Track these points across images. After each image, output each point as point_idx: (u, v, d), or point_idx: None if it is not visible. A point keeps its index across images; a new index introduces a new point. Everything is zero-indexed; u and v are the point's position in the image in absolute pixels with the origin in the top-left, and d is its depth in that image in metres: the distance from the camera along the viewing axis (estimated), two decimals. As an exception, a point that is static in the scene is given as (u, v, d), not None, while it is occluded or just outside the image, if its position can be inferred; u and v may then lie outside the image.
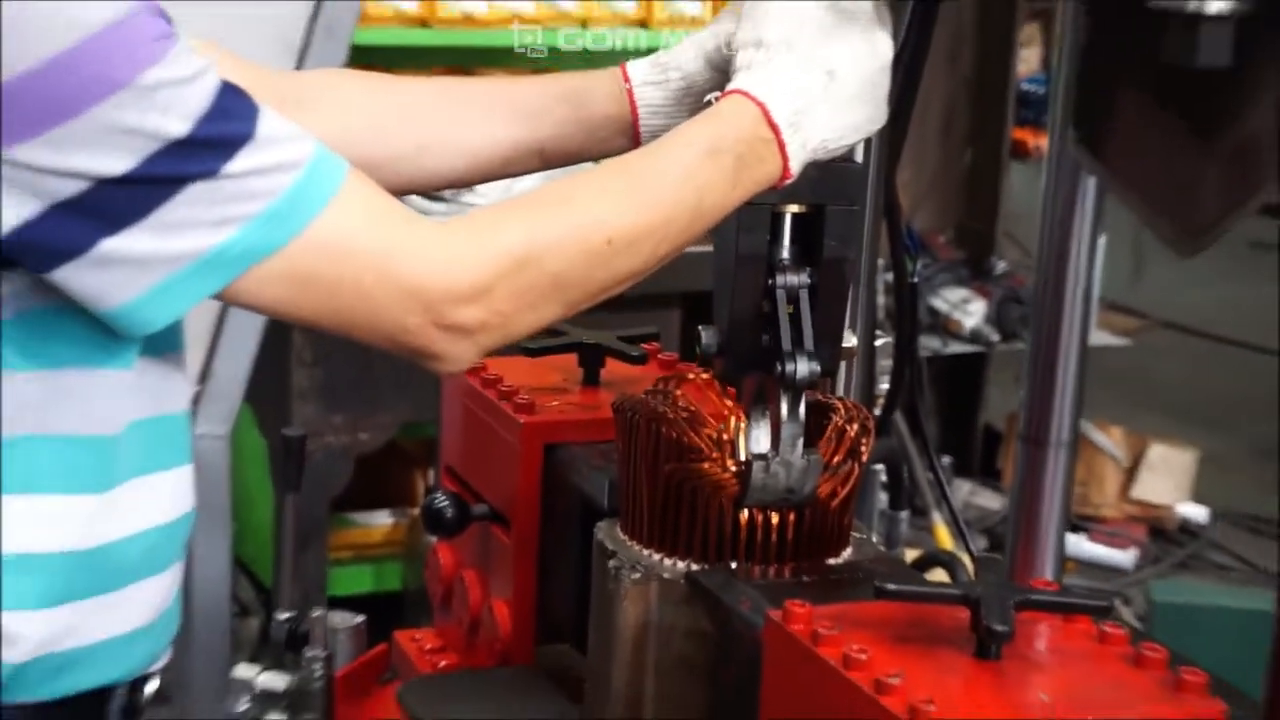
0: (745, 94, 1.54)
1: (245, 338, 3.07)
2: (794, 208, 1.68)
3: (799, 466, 1.66)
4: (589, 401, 2.03)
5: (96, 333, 1.39)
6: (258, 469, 3.95)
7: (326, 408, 3.67)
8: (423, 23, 4.01)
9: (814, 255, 1.69)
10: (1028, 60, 6.84)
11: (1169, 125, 1.81)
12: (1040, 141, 5.80)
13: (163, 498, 1.51)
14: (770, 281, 1.68)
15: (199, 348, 3.03)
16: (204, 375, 3.00)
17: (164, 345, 1.48)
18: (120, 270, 1.33)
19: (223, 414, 3.08)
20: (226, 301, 1.42)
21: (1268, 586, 4.61)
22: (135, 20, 1.29)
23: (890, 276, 2.26)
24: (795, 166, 1.55)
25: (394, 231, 1.42)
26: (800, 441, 1.68)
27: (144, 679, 1.55)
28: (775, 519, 1.67)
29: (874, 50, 1.59)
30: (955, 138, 5.70)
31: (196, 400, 2.89)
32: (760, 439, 1.70)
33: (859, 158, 1.74)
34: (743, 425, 1.73)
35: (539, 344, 2.09)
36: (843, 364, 2.12)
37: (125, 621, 1.49)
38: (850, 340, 1.80)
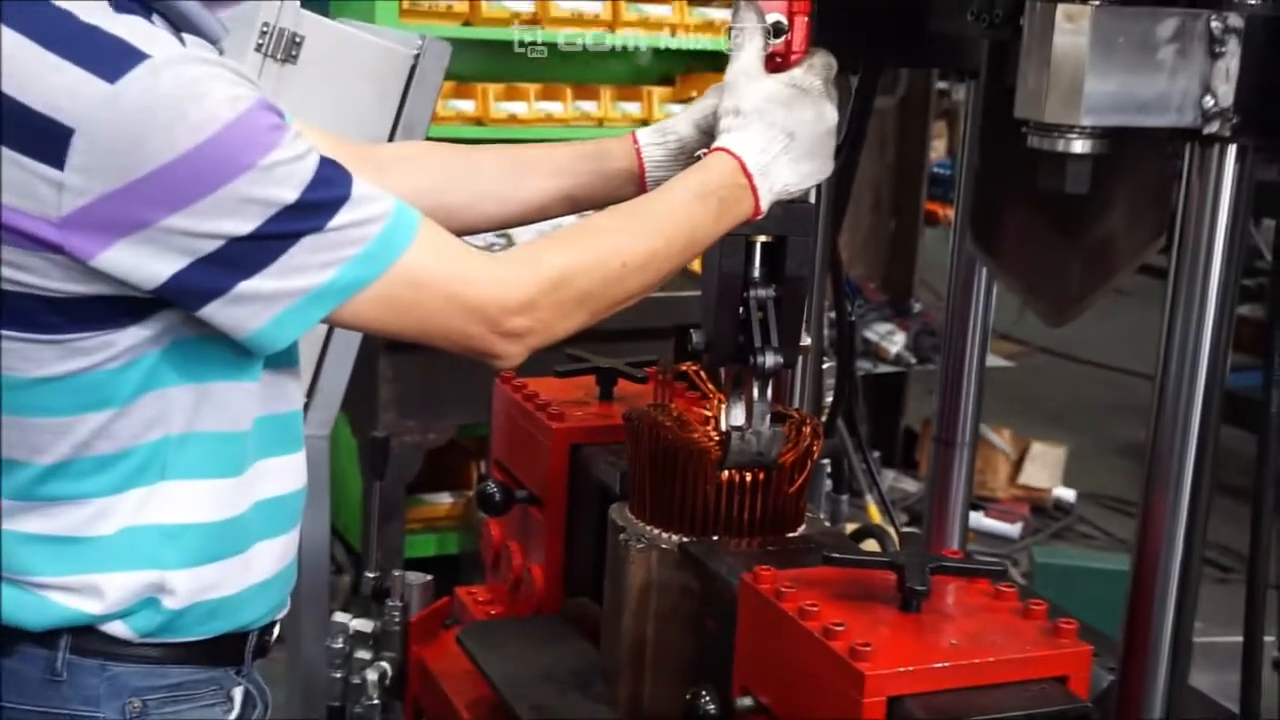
0: (727, 151, 1.55)
1: (342, 362, 3.05)
2: (763, 238, 1.68)
3: (767, 436, 1.66)
4: (605, 412, 2.02)
5: (232, 353, 1.38)
6: (350, 460, 3.94)
7: (403, 414, 3.65)
8: (479, 121, 4.00)
9: (778, 274, 1.69)
10: (937, 149, 6.84)
11: (1042, 230, 1.81)
12: (948, 212, 5.80)
13: (281, 476, 1.50)
14: (745, 294, 1.68)
15: (306, 369, 3.02)
16: (311, 390, 2.99)
17: (282, 361, 1.47)
18: (251, 305, 1.33)
19: (324, 419, 3.06)
20: (333, 324, 1.41)
21: (1124, 552, 4.59)
22: (255, 114, 1.29)
23: (834, 314, 2.26)
24: (764, 206, 1.56)
25: (460, 263, 1.41)
26: (768, 417, 1.67)
27: (271, 624, 1.54)
28: (748, 499, 1.66)
29: (823, 118, 1.60)
30: (882, 210, 5.71)
31: (305, 409, 2.88)
32: (737, 415, 1.70)
33: (812, 200, 1.75)
34: (723, 405, 1.72)
35: (567, 369, 2.08)
36: (798, 374, 2.11)
37: (257, 574, 1.48)
38: (805, 340, 1.79)
